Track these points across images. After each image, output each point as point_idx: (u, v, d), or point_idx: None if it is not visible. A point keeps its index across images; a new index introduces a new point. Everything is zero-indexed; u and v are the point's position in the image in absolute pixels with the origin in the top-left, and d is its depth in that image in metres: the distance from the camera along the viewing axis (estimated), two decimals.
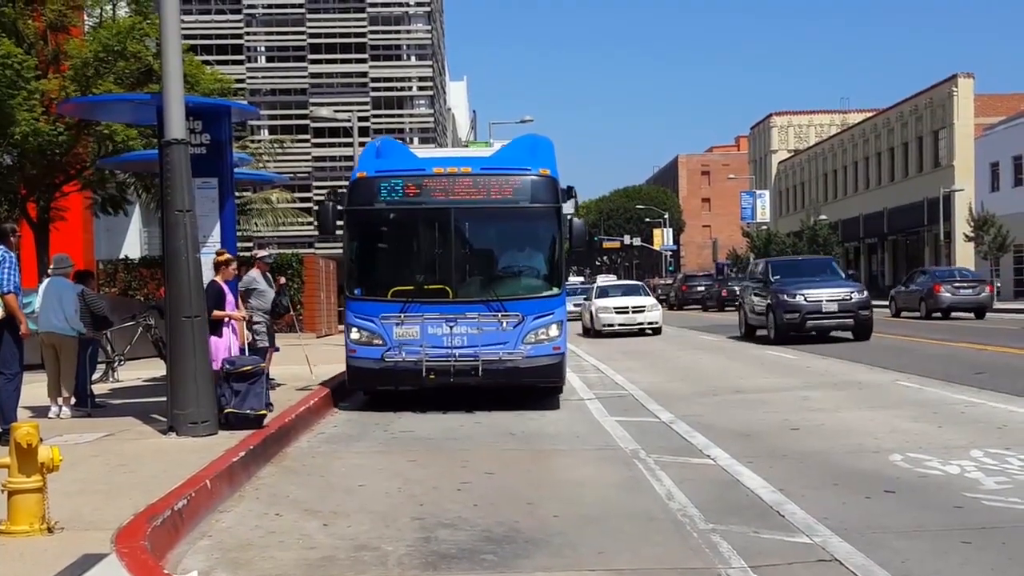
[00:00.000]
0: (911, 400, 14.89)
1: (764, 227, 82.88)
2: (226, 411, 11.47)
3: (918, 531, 7.58)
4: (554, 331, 14.62)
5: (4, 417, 10.60)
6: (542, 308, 14.62)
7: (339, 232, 15.46)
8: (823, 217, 74.37)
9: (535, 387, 15.19)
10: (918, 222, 65.40)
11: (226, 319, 12.70)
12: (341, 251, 16.44)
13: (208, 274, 12.50)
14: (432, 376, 14.28)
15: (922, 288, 39.63)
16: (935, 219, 59.93)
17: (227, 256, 12.97)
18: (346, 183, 16.06)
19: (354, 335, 14.64)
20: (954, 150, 63.24)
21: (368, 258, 15.43)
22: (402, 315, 14.38)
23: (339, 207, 15.09)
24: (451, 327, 14.29)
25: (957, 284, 38.79)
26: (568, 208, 15.71)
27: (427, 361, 14.23)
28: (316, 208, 16.21)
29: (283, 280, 17.27)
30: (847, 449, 11.02)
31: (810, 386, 17.07)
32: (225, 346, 12.62)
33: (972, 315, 38.03)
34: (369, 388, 15.54)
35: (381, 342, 14.42)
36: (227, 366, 11.93)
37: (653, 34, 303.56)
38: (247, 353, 13.15)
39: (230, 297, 12.98)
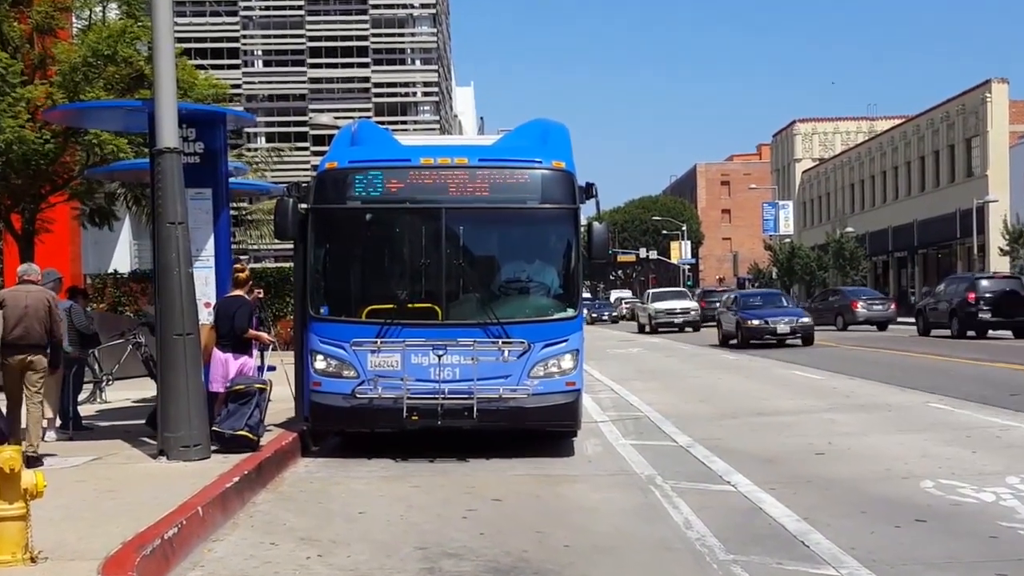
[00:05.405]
0: (943, 423, 14.85)
1: (787, 240, 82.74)
2: (211, 428, 11.56)
3: (950, 562, 7.55)
4: (567, 362, 12.54)
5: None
6: (553, 334, 12.53)
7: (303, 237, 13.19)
8: (850, 229, 74.20)
9: (542, 431, 13.26)
10: (950, 235, 65.15)
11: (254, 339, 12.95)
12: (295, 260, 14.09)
13: (205, 290, 12.63)
14: (415, 417, 12.21)
15: (837, 304, 47.64)
16: (968, 231, 59.68)
17: (248, 272, 13.17)
18: None
19: (319, 364, 12.60)
20: (988, 159, 63.05)
21: (338, 269, 13.48)
22: (379, 341, 12.30)
23: (302, 205, 13.03)
24: (440, 356, 12.25)
25: (869, 301, 47.42)
26: (587, 210, 13.63)
27: (409, 398, 12.15)
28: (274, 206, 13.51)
29: (260, 292, 16.44)
30: (876, 475, 10.99)
31: (836, 408, 17.03)
32: (251, 367, 12.79)
33: (875, 328, 45.50)
34: (336, 429, 13.59)
35: (352, 374, 12.39)
36: (228, 385, 12.17)
37: (670, 38, 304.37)
38: (263, 374, 13.38)
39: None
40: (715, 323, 44.13)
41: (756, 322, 35.69)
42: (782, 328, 35.14)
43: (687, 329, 51.51)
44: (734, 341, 36.52)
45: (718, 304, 55.20)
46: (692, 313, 52.53)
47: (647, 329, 53.41)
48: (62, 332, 11.85)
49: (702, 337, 45.73)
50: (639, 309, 59.84)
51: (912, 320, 46.01)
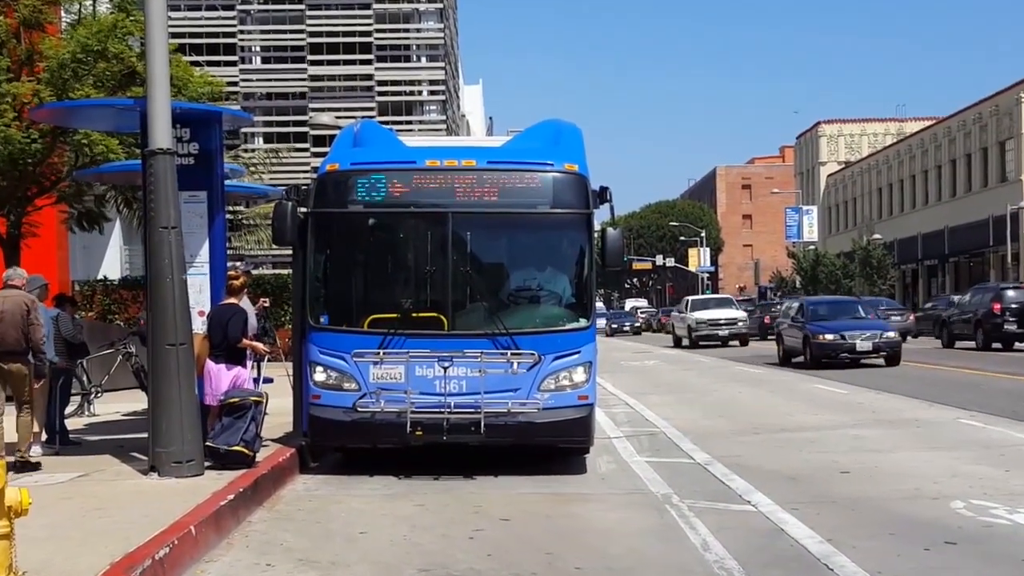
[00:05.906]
0: (974, 440, 14.83)
1: (811, 247, 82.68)
2: (205, 443, 11.59)
3: None
4: (580, 375, 12.52)
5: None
6: (565, 345, 12.49)
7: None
8: (877, 236, 74.16)
9: (553, 448, 13.27)
10: (983, 242, 65.09)
11: (249, 349, 12.99)
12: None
13: (199, 298, 12.66)
14: (419, 432, 12.10)
15: None
16: (1001, 239, 59.66)
17: (244, 279, 13.21)
18: None
19: (318, 376, 12.58)
20: (1022, 163, 63.02)
21: (339, 276, 13.43)
22: (382, 352, 12.26)
23: (302, 209, 13.01)
24: (445, 368, 12.17)
25: (886, 311, 46.39)
26: (601, 215, 13.59)
27: (413, 413, 12.07)
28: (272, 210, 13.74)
29: (266, 302, 16.56)
30: (903, 495, 10.97)
31: (862, 424, 17.00)
32: (245, 378, 12.85)
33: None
34: (336, 445, 13.47)
35: (354, 386, 12.35)
36: (221, 397, 12.19)
37: (688, 35, 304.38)
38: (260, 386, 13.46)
39: (252, 321, 13.17)
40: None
41: (830, 337, 30.14)
42: (862, 345, 29.64)
43: (732, 343, 47.45)
44: (799, 359, 31.93)
45: (756, 312, 54.97)
46: (740, 324, 48.24)
47: (685, 343, 49.54)
48: (40, 337, 11.93)
49: (723, 350, 45.59)
50: (676, 319, 54.36)
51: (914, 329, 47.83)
